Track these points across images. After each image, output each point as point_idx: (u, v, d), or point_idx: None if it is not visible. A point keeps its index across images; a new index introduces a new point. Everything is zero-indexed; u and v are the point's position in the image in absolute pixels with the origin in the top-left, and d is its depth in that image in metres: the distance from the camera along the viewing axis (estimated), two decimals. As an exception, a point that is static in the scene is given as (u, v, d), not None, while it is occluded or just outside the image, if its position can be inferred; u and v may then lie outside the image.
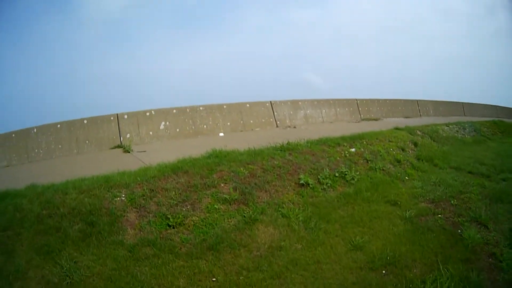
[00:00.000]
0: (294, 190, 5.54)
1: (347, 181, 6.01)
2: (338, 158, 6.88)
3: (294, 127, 9.76)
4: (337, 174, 6.11)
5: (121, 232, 3.99)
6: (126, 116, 7.79)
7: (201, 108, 8.62)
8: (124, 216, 4.22)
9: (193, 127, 8.47)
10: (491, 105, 18.33)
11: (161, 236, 4.08)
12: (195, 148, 6.95)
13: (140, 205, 4.43)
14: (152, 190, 4.70)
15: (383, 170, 6.68)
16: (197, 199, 4.73)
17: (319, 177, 5.87)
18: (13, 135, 6.78)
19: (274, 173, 5.74)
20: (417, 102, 14.26)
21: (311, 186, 5.59)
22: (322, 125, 10.65)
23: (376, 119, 12.02)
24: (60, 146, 7.19)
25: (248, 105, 9.48)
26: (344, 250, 4.06)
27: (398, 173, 6.74)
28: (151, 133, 7.96)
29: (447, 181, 6.21)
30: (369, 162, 6.90)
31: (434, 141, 9.88)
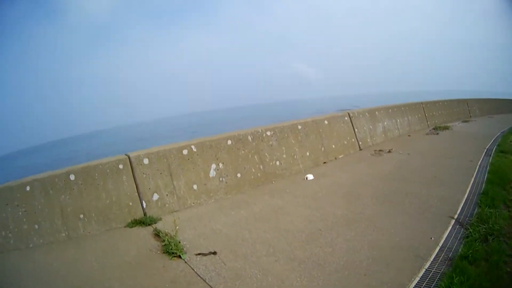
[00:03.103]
0: None
1: None
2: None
3: (389, 151, 6.40)
4: None
5: None
6: (146, 160, 3.77)
7: (268, 134, 4.86)
8: None
9: (261, 167, 4.68)
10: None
11: None
12: (296, 217, 3.28)
13: None
14: None
15: None
16: None
17: None
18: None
19: None
20: (467, 102, 11.94)
21: None
22: (405, 141, 7.51)
23: (447, 127, 9.25)
24: (36, 226, 3.11)
25: (326, 122, 5.92)
26: None
27: None
28: (195, 186, 4.02)
29: None
30: None
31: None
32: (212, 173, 4.18)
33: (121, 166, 3.61)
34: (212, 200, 4.12)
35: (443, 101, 10.54)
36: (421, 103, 9.37)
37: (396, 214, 3.33)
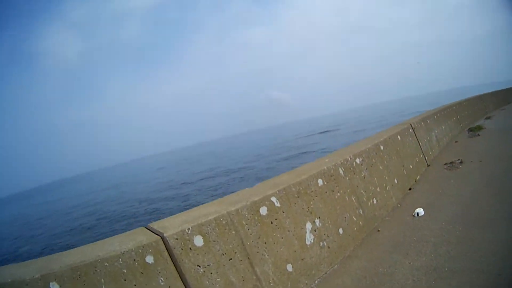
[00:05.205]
0: None
1: None
2: None
3: (461, 162, 5.27)
4: None
5: None
6: (199, 240, 2.00)
7: (358, 161, 3.43)
8: None
9: (360, 211, 3.19)
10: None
11: None
12: None
13: None
14: None
15: None
16: None
17: None
18: None
19: None
20: (481, 98, 11.56)
21: None
22: (458, 148, 6.49)
23: (481, 127, 8.50)
24: None
25: (399, 137, 4.64)
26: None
27: None
28: (289, 267, 2.42)
29: None
30: None
31: None
32: (309, 237, 2.61)
33: (150, 260, 1.83)
34: (316, 282, 2.54)
35: (464, 101, 9.93)
36: (453, 104, 8.59)
37: None
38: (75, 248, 1.92)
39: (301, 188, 2.69)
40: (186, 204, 16.83)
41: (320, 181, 2.87)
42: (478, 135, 7.73)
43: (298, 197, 2.64)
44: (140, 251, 1.82)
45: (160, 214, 15.40)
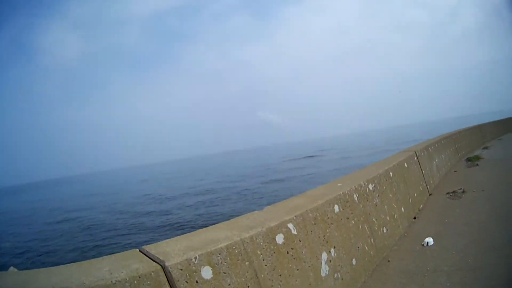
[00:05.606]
0: None
1: None
2: None
3: (463, 191, 5.34)
4: None
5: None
6: (207, 272, 1.75)
7: (370, 188, 3.41)
8: None
9: (371, 241, 3.13)
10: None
11: None
12: None
13: None
14: None
15: None
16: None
17: None
18: None
19: None
20: (480, 128, 11.84)
21: None
22: (458, 177, 6.57)
23: (479, 157, 8.67)
24: None
25: (406, 164, 4.67)
26: None
27: None
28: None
29: None
30: None
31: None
32: (325, 268, 2.53)
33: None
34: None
35: (462, 131, 10.16)
36: (452, 134, 8.77)
37: None
38: (57, 267, 1.69)
39: (318, 214, 2.63)
40: (167, 218, 16.75)
41: (336, 207, 2.82)
42: (477, 165, 7.87)
43: (315, 224, 2.57)
44: (135, 282, 1.51)
45: (140, 227, 15.16)
